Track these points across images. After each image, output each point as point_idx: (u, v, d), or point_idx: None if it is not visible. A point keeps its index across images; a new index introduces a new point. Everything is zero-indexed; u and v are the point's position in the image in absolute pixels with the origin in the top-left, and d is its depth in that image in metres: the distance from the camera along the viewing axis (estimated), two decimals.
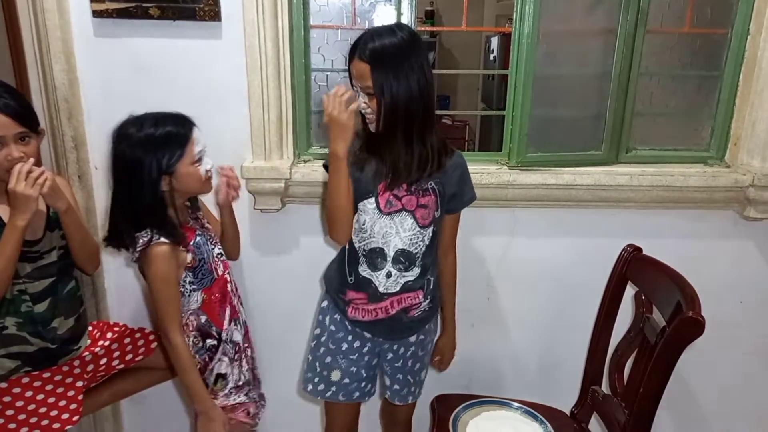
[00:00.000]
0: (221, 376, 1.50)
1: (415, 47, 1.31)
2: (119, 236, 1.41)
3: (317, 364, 1.53)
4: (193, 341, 1.47)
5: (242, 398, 1.55)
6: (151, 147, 1.31)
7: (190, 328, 1.47)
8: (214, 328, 1.48)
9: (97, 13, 1.60)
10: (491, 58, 4.77)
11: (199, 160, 1.37)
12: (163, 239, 1.35)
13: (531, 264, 1.89)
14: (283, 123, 1.71)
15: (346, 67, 1.37)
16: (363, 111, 1.35)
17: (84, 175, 1.73)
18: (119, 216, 1.39)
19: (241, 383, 1.54)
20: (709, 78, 1.83)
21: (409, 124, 1.33)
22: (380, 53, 1.28)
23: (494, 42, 4.63)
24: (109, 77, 1.67)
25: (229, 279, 1.53)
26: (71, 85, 1.65)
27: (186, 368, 1.42)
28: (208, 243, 1.49)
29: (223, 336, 1.49)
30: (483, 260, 1.88)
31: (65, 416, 1.53)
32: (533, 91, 1.73)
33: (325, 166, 1.45)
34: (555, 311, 1.94)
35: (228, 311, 1.51)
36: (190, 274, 1.43)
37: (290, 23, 1.66)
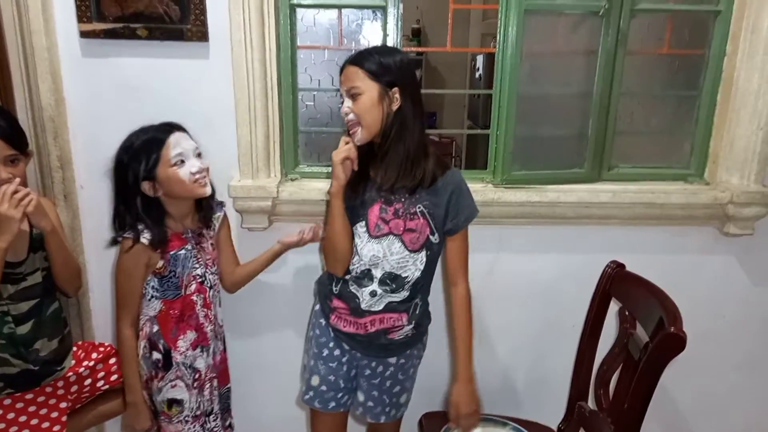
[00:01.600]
0: (176, 402, 1.50)
1: (407, 64, 1.39)
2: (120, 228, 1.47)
3: (305, 366, 1.55)
4: (143, 350, 1.49)
5: (197, 428, 1.54)
6: (131, 155, 1.40)
7: (144, 335, 1.49)
8: (161, 342, 1.49)
9: (84, 34, 1.61)
10: (477, 75, 4.82)
11: (180, 162, 1.40)
12: (142, 237, 1.41)
13: (517, 280, 1.90)
14: (270, 142, 1.72)
15: (338, 87, 1.41)
16: (344, 118, 1.38)
17: (70, 194, 1.72)
18: (116, 213, 1.46)
19: (198, 413, 1.54)
20: (688, 97, 1.87)
21: (397, 131, 1.37)
22: (367, 55, 1.37)
23: (480, 60, 4.69)
24: (95, 97, 1.68)
25: (200, 304, 1.52)
26: (57, 105, 1.65)
27: (126, 358, 1.49)
28: (192, 260, 1.49)
29: (179, 358, 1.49)
30: (469, 277, 1.88)
31: None
32: (517, 110, 1.76)
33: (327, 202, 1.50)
34: (541, 327, 1.95)
35: (191, 335, 1.51)
36: (156, 280, 1.47)
37: (277, 43, 1.68)
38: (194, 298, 1.51)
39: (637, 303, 1.50)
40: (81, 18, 1.59)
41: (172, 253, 1.46)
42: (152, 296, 1.48)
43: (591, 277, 1.65)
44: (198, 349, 1.53)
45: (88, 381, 1.61)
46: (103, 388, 1.64)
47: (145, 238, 1.40)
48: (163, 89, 1.67)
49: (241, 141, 1.70)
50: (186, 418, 1.52)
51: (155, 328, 1.49)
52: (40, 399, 1.52)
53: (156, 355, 1.49)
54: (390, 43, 1.75)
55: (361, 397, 1.57)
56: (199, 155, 1.45)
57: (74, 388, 1.58)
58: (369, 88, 1.35)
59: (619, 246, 1.81)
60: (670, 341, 1.22)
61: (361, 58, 1.36)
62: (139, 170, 1.39)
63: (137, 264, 1.44)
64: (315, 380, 1.54)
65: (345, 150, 1.38)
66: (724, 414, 2.06)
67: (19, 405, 1.49)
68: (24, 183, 1.37)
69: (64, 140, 1.68)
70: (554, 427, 1.72)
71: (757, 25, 1.70)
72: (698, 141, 1.88)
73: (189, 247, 1.49)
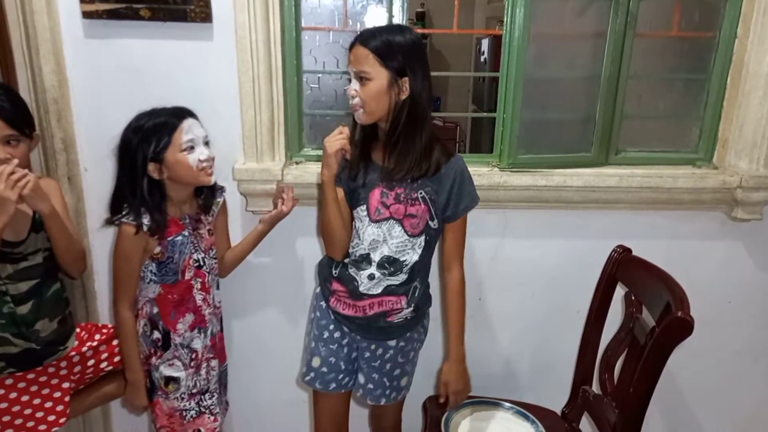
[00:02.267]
0: (173, 379, 1.54)
1: (419, 48, 1.36)
2: (116, 210, 1.47)
3: (306, 348, 1.57)
4: (143, 328, 1.53)
5: (193, 405, 1.57)
6: (141, 136, 1.40)
7: (143, 315, 1.52)
8: (161, 324, 1.51)
9: (86, 14, 1.59)
10: (482, 59, 4.78)
11: (190, 148, 1.41)
12: (140, 221, 1.42)
13: (522, 265, 1.90)
14: (274, 124, 1.71)
15: (343, 70, 1.38)
16: (350, 99, 1.36)
17: (74, 177, 1.72)
18: (117, 194, 1.47)
19: (195, 391, 1.56)
20: (697, 81, 1.85)
21: (408, 119, 1.35)
22: (379, 37, 1.32)
23: (485, 44, 4.65)
24: (98, 78, 1.66)
25: (198, 287, 1.53)
26: (60, 87, 1.63)
27: (125, 338, 1.52)
28: (189, 245, 1.50)
29: (177, 339, 1.52)
30: (474, 262, 1.88)
31: (51, 418, 1.53)
32: (524, 94, 1.74)
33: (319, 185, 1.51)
34: (546, 312, 1.95)
35: (190, 317, 1.53)
36: (155, 265, 1.49)
37: (282, 25, 1.66)
38: (192, 282, 1.52)
39: (644, 287, 1.49)
40: None
41: (169, 239, 1.47)
42: (151, 280, 1.49)
43: (597, 262, 1.65)
44: (196, 330, 1.55)
45: (92, 362, 1.62)
46: (106, 369, 1.65)
47: (146, 224, 1.41)
48: (166, 71, 1.65)
49: (245, 124, 1.69)
50: (182, 395, 1.55)
51: (155, 310, 1.51)
52: (42, 379, 1.52)
53: (156, 335, 1.52)
54: None
55: (361, 379, 1.57)
56: (207, 143, 1.45)
57: (77, 368, 1.59)
58: (378, 75, 1.32)
59: (625, 231, 1.80)
60: (677, 325, 1.21)
61: (372, 41, 1.31)
62: (148, 151, 1.39)
63: (136, 248, 1.45)
64: (316, 361, 1.55)
65: (339, 141, 1.37)
66: (727, 399, 2.06)
67: (21, 385, 1.49)
68: (27, 165, 1.36)
69: (67, 122, 1.67)
70: (558, 411, 1.72)
71: None
72: (707, 125, 1.86)
73: (186, 233, 1.50)
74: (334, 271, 1.52)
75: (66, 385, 1.56)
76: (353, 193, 1.45)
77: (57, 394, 1.54)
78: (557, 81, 1.84)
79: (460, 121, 5.09)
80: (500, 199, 1.78)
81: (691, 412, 2.08)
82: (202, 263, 1.54)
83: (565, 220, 1.85)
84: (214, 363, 1.61)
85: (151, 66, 1.65)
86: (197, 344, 1.55)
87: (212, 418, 1.60)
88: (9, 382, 1.47)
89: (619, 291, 1.64)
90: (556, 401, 1.73)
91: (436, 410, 1.64)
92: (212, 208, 1.57)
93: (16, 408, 1.49)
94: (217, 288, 1.63)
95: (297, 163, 1.80)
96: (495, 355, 2.00)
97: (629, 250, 1.61)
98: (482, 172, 1.76)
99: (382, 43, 1.31)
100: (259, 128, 1.69)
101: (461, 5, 1.81)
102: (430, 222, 1.43)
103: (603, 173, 1.78)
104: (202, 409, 1.59)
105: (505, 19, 1.72)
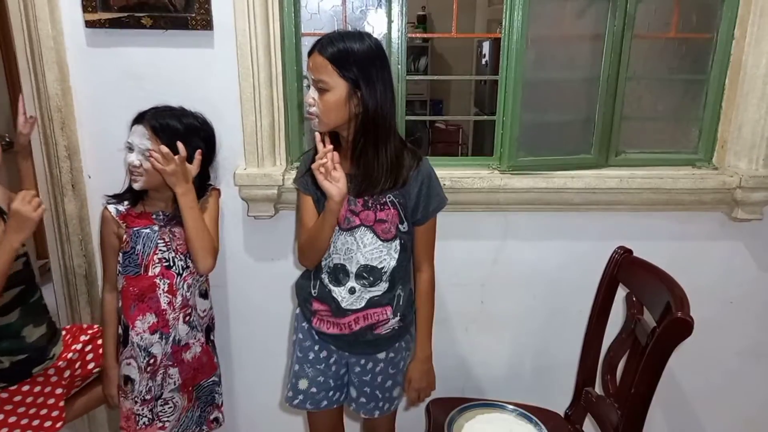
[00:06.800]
0: (129, 379, 1.54)
1: (380, 56, 1.32)
2: None
3: (291, 371, 1.55)
4: None
5: (146, 412, 1.55)
6: None
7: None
8: (122, 318, 1.55)
9: (89, 23, 1.61)
10: (483, 62, 4.80)
11: (128, 149, 1.47)
12: (109, 205, 1.54)
13: (523, 267, 1.90)
14: (275, 130, 1.72)
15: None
16: (307, 107, 1.33)
17: (77, 184, 1.73)
18: None
19: (148, 397, 1.54)
20: (696, 82, 1.86)
21: (373, 133, 1.33)
22: (338, 45, 1.28)
23: (486, 46, 4.66)
24: (101, 86, 1.68)
25: (163, 288, 1.52)
26: (64, 95, 1.65)
27: (104, 323, 1.61)
28: (158, 241, 1.52)
29: (135, 338, 1.52)
30: (476, 264, 1.89)
31: (48, 424, 1.53)
32: (523, 96, 1.75)
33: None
34: (548, 314, 1.95)
35: (151, 317, 1.52)
36: (121, 255, 1.54)
37: (282, 31, 1.68)
38: (157, 281, 1.52)
39: (645, 288, 1.49)
40: (86, 8, 1.59)
41: (135, 229, 1.51)
42: (119, 271, 1.54)
43: (598, 264, 1.65)
44: (156, 335, 1.53)
45: (78, 364, 1.61)
46: (94, 371, 1.64)
47: (111, 200, 1.53)
48: (168, 78, 1.67)
49: (246, 129, 1.70)
50: (136, 399, 1.54)
51: (119, 303, 1.55)
52: (36, 389, 1.52)
53: (119, 329, 1.57)
54: (395, 30, 1.74)
55: (353, 393, 1.54)
56: (146, 155, 1.44)
57: (66, 373, 1.59)
58: (337, 86, 1.29)
59: (626, 232, 1.80)
60: (677, 326, 1.22)
61: (330, 48, 1.28)
62: None
63: (108, 232, 1.54)
64: (303, 384, 1.52)
65: (320, 161, 1.28)
66: (730, 400, 2.06)
67: (17, 398, 1.49)
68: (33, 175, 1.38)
69: (71, 130, 1.69)
70: (561, 412, 1.72)
71: (765, 8, 1.68)
72: (706, 125, 1.86)
73: (156, 228, 1.52)
74: (313, 291, 1.48)
75: (58, 390, 1.56)
76: (319, 201, 1.41)
77: (51, 401, 1.54)
78: (556, 83, 1.84)
79: (462, 124, 5.10)
80: (501, 202, 1.79)
81: (694, 413, 2.08)
82: (171, 263, 1.53)
83: (566, 222, 1.86)
84: (173, 371, 1.57)
85: (153, 73, 1.67)
86: (156, 350, 1.53)
87: (160, 424, 1.57)
88: (4, 396, 1.47)
89: (621, 292, 1.64)
90: (559, 403, 1.74)
91: (440, 413, 1.64)
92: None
93: (12, 419, 1.48)
94: (201, 296, 1.62)
95: (297, 168, 1.81)
96: (497, 358, 2.00)
97: (630, 252, 1.61)
98: (483, 175, 1.76)
99: (339, 52, 1.28)
100: (259, 133, 1.70)
101: (462, 8, 1.82)
102: (400, 225, 1.41)
103: (603, 175, 1.79)
104: (154, 417, 1.57)
105: (503, 23, 1.73)
